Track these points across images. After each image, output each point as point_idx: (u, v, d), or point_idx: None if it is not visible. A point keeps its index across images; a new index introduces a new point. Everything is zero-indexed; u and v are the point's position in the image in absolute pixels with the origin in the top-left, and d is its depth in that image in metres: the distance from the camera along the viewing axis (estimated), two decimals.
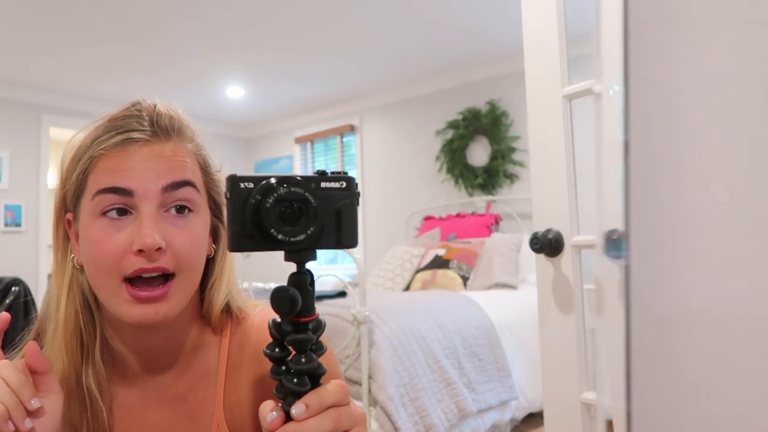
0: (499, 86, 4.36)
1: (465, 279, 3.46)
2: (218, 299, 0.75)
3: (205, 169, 0.74)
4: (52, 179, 5.24)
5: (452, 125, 4.53)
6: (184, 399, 0.74)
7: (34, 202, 4.75)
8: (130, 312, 0.65)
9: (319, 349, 0.55)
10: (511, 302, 3.16)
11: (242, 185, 0.52)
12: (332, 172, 0.54)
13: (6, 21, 3.40)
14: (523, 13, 1.36)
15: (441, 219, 4.33)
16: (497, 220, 4.05)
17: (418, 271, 3.66)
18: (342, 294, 2.77)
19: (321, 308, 0.56)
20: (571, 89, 1.34)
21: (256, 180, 0.52)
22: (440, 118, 4.66)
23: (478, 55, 4.22)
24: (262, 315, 0.78)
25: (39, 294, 4.21)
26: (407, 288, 3.62)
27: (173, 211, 0.68)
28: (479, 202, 4.35)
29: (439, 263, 3.60)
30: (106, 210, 0.66)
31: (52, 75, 4.40)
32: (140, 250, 0.64)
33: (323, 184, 0.53)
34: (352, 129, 5.37)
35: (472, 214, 4.21)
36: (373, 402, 2.17)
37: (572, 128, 1.36)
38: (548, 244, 1.35)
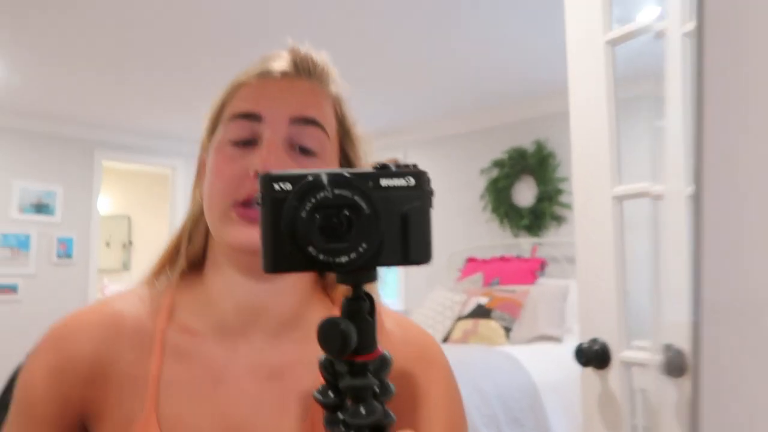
0: (546, 126, 4.23)
1: (507, 330, 3.35)
2: None
3: (340, 120, 0.71)
4: (103, 205, 5.39)
5: (497, 164, 4.43)
6: (277, 375, 0.66)
7: (85, 231, 4.87)
8: (236, 234, 0.61)
9: (386, 393, 0.43)
10: (555, 357, 3.04)
11: (277, 186, 0.40)
12: (397, 166, 0.42)
13: (59, 64, 3.52)
14: (572, 113, 1.29)
15: (484, 261, 4.22)
16: (542, 265, 3.92)
17: (459, 319, 3.57)
18: None
19: None
20: (621, 190, 1.25)
21: (295, 179, 0.40)
22: (485, 156, 4.56)
23: (523, 93, 4.12)
24: (396, 318, 0.73)
25: None
26: (446, 337, 3.53)
27: (298, 150, 0.65)
28: (524, 244, 4.23)
29: (481, 312, 3.50)
30: (233, 140, 0.65)
31: (103, 112, 4.52)
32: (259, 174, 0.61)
33: (384, 182, 0.41)
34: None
35: (517, 257, 4.09)
36: None
37: (622, 231, 1.27)
38: (594, 357, 1.26)
